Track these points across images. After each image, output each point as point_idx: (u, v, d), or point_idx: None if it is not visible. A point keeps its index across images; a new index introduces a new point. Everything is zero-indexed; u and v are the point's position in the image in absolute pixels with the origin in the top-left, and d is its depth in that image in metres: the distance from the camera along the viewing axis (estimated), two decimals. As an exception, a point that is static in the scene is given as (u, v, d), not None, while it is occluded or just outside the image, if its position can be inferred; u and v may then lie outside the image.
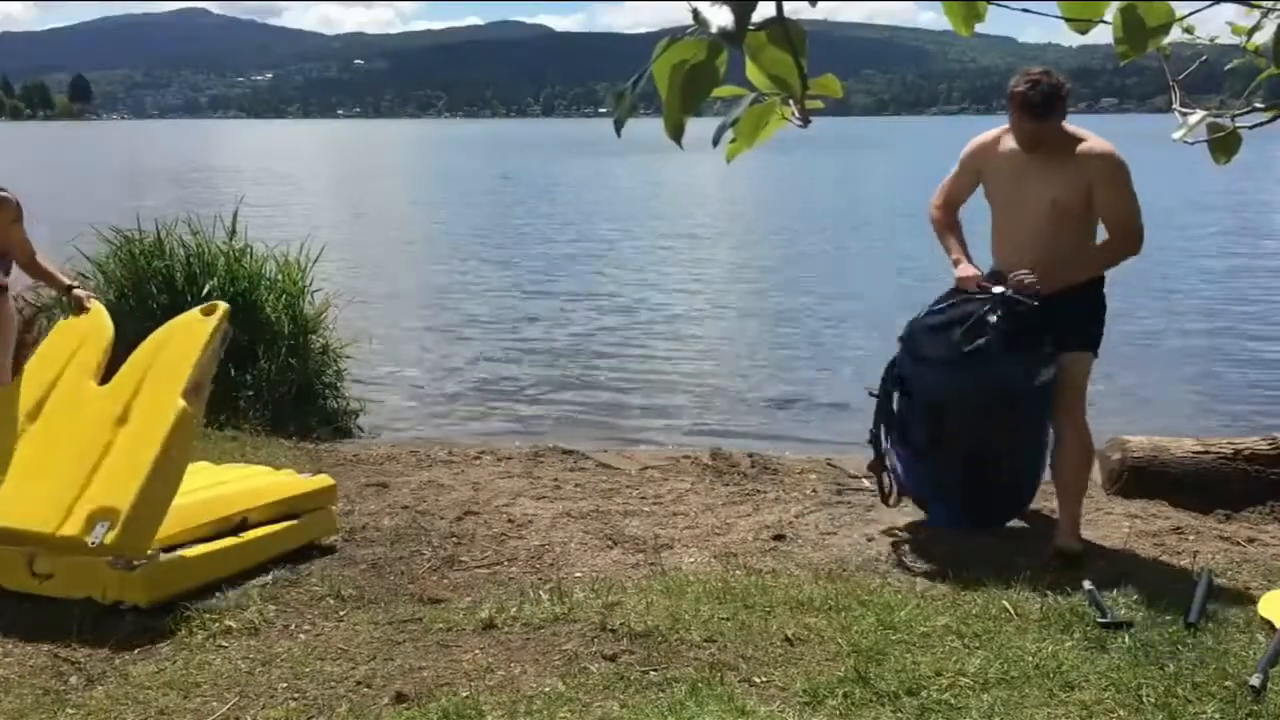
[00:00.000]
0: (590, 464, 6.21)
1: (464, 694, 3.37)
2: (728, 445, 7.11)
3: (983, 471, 4.71)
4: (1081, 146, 4.42)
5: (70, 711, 3.31)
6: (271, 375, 6.73)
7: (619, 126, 1.23)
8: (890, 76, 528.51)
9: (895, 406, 4.88)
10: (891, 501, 4.96)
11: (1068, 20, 1.26)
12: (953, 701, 3.26)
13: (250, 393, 6.65)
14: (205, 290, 6.84)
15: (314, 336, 7.17)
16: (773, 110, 1.37)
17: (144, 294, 6.90)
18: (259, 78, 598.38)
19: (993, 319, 4.54)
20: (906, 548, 4.71)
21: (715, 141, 1.31)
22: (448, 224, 21.25)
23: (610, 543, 4.83)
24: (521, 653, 3.66)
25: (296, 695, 3.41)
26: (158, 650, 3.73)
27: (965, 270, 4.65)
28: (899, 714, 3.21)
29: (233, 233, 7.35)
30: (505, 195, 28.88)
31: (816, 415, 8.06)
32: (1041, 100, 4.30)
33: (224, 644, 3.78)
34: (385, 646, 3.74)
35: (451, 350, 10.12)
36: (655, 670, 3.50)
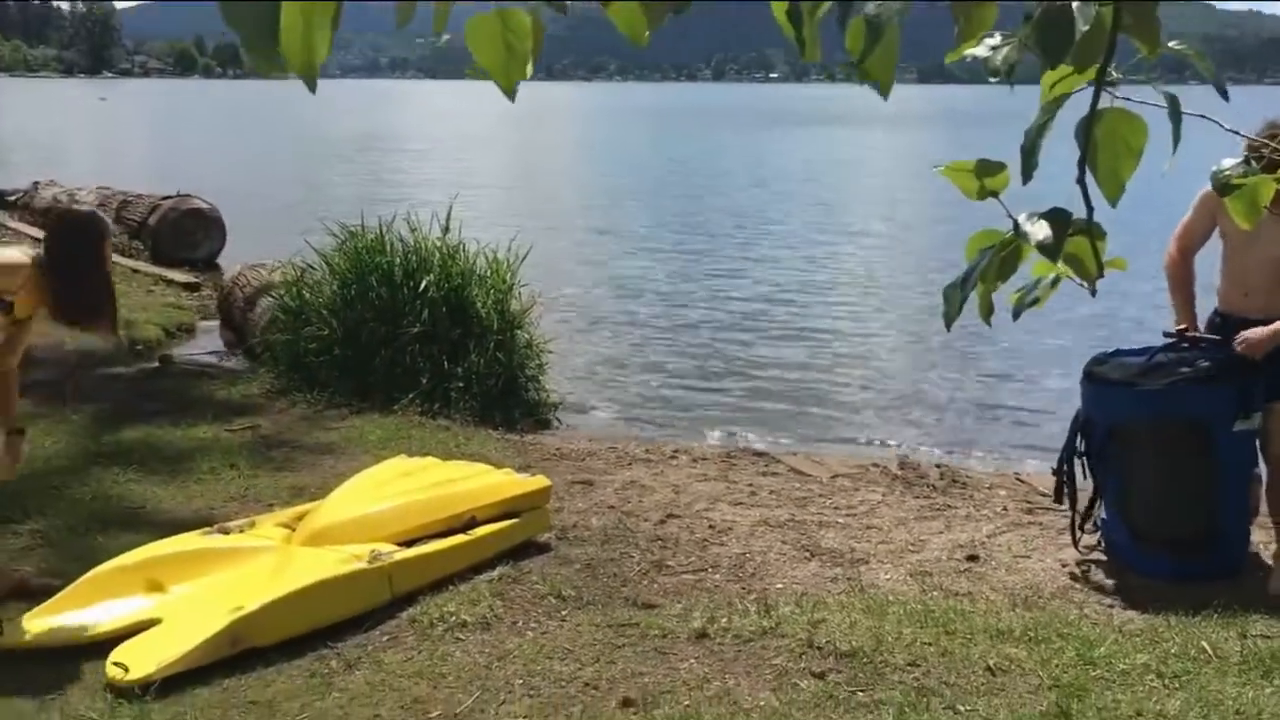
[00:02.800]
0: (782, 468, 6.44)
1: (685, 703, 3.65)
2: (911, 451, 7.26)
3: (1169, 511, 4.76)
4: None
5: (336, 695, 3.71)
6: (480, 369, 7.13)
7: (949, 323, 1.43)
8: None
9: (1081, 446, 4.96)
10: (1081, 546, 5.03)
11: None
12: (1154, 744, 3.39)
13: (460, 384, 7.07)
14: (422, 286, 7.28)
15: (519, 332, 7.55)
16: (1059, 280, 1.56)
17: (365, 286, 7.38)
18: (436, 40, 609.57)
19: (1196, 358, 4.63)
20: (1101, 577, 4.81)
21: (1015, 317, 1.51)
22: (633, 207, 21.38)
23: (808, 554, 5.05)
24: (734, 665, 3.93)
25: (532, 693, 3.75)
26: (404, 640, 4.11)
27: (1191, 331, 4.74)
28: (1100, 752, 3.37)
29: (446, 229, 7.78)
30: (686, 175, 28.99)
31: (1003, 424, 8.09)
32: None
33: (460, 637, 4.14)
34: (607, 650, 4.05)
35: (636, 344, 10.37)
36: (862, 691, 3.72)
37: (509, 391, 7.30)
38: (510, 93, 1.38)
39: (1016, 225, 1.37)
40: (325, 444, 6.46)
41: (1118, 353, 4.88)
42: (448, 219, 7.79)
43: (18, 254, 4.14)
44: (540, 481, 5.16)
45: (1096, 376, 4.83)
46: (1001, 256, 1.44)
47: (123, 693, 3.60)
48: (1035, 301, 1.49)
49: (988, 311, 1.46)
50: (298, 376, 7.34)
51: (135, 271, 12.57)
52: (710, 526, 5.36)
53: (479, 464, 5.44)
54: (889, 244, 16.83)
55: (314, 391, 7.19)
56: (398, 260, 7.48)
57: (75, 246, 4.16)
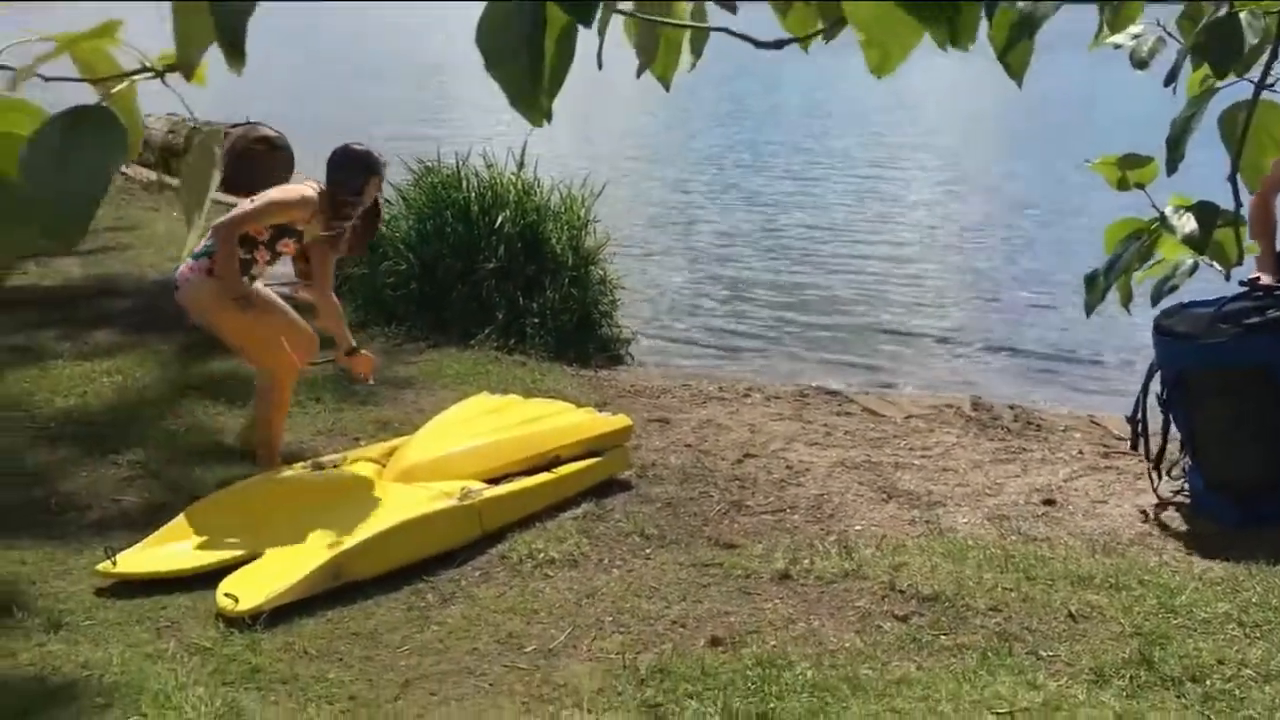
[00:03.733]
0: (856, 408, 6.48)
1: (771, 643, 3.76)
2: (981, 391, 7.26)
3: (1236, 459, 4.77)
4: None
5: (434, 628, 3.86)
6: (555, 304, 7.22)
7: (1089, 311, 1.48)
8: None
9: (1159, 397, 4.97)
10: (1160, 491, 5.05)
11: None
12: (1236, 692, 3.45)
13: (536, 320, 7.16)
14: (498, 222, 7.35)
15: (593, 268, 7.61)
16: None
17: (441, 222, 7.45)
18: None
19: (1266, 306, 4.61)
20: (1178, 524, 4.83)
21: (1155, 303, 1.55)
22: (700, 142, 20.96)
23: (885, 496, 5.11)
24: (818, 606, 4.03)
25: (622, 630, 3.87)
26: (495, 576, 4.25)
27: (1266, 280, 4.71)
28: (1183, 700, 3.43)
29: (520, 165, 7.82)
30: (747, 106, 28.51)
31: (1075, 365, 8.05)
32: None
33: (549, 574, 4.27)
34: (693, 589, 4.16)
35: (704, 282, 10.34)
36: (945, 635, 3.80)
37: (583, 327, 7.38)
38: (666, 84, 1.43)
39: (1163, 217, 1.41)
40: (405, 378, 6.59)
41: (1190, 304, 4.84)
42: (522, 155, 7.83)
43: (308, 189, 4.92)
44: (622, 420, 5.25)
45: (1164, 329, 4.82)
46: (1146, 243, 1.48)
47: (233, 622, 3.77)
48: (1174, 289, 1.53)
49: (1127, 298, 1.50)
50: (375, 310, 7.47)
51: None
52: (787, 467, 5.43)
53: (561, 402, 5.54)
54: (958, 181, 16.57)
55: (391, 325, 7.32)
56: (473, 196, 7.55)
57: (351, 180, 4.89)
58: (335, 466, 4.80)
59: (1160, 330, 4.85)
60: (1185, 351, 4.75)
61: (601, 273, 7.70)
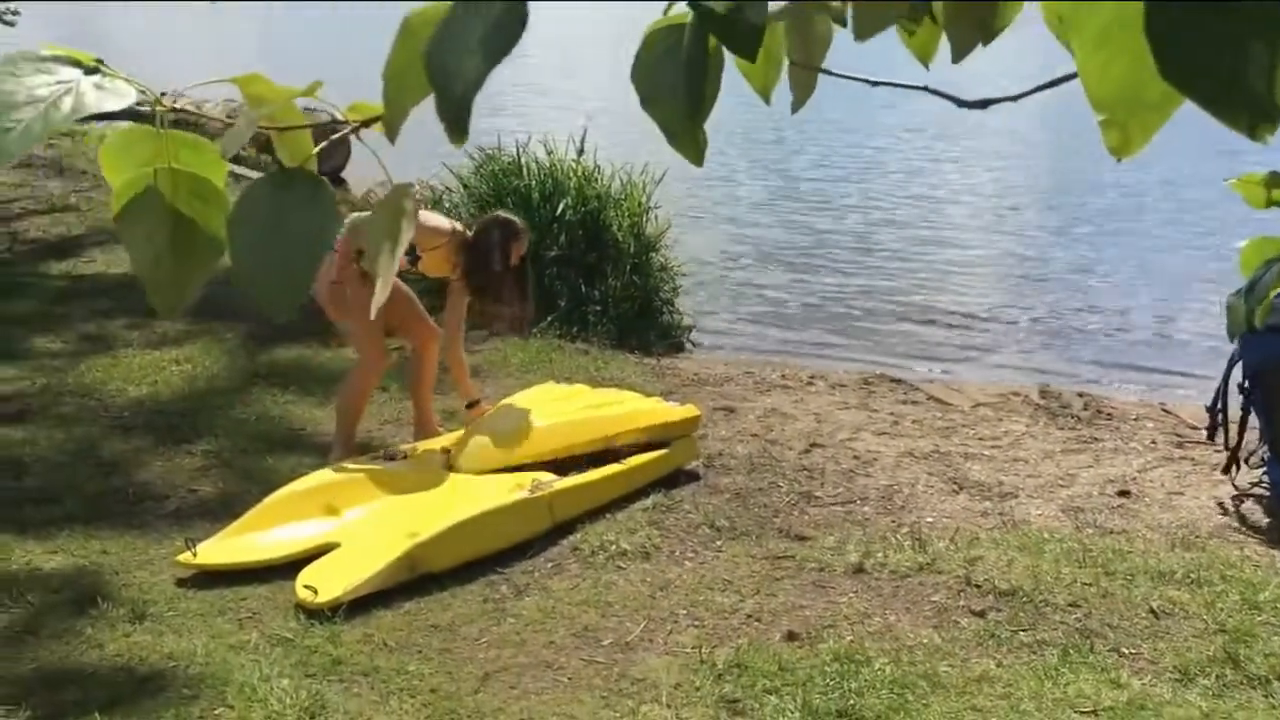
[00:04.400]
0: (922, 397, 6.43)
1: (848, 638, 3.74)
2: (1046, 378, 7.17)
3: None
4: None
5: (510, 621, 3.87)
6: (617, 292, 7.21)
7: (1232, 336, 1.45)
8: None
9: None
10: (1238, 482, 4.98)
11: None
12: (1326, 693, 3.39)
13: (598, 308, 7.16)
14: (560, 209, 7.34)
15: (654, 255, 7.59)
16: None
17: (502, 209, 7.44)
18: None
19: None
20: (1258, 516, 4.75)
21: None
22: (759, 130, 20.80)
23: (956, 487, 5.07)
24: (893, 601, 4.00)
25: (697, 624, 3.86)
26: (567, 568, 4.26)
27: None
28: (1270, 699, 3.38)
29: (581, 151, 7.81)
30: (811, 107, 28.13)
31: (1143, 351, 7.94)
32: None
33: (622, 566, 4.27)
34: (766, 582, 4.15)
35: (764, 268, 10.27)
36: (1024, 631, 3.77)
37: (644, 314, 7.37)
38: (766, 97, 1.41)
39: (1301, 231, 1.37)
40: (470, 366, 6.57)
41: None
42: (582, 141, 7.81)
43: (444, 223, 5.13)
44: (690, 411, 5.23)
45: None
46: None
47: (313, 614, 3.80)
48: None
49: (1266, 315, 1.47)
50: (438, 298, 7.48)
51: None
52: (855, 457, 5.40)
53: (627, 392, 5.53)
54: (1021, 166, 16.34)
55: (454, 313, 7.32)
56: (534, 184, 7.54)
57: (485, 237, 5.02)
58: (405, 456, 4.82)
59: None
60: (1264, 346, 4.66)
61: (662, 260, 7.68)
